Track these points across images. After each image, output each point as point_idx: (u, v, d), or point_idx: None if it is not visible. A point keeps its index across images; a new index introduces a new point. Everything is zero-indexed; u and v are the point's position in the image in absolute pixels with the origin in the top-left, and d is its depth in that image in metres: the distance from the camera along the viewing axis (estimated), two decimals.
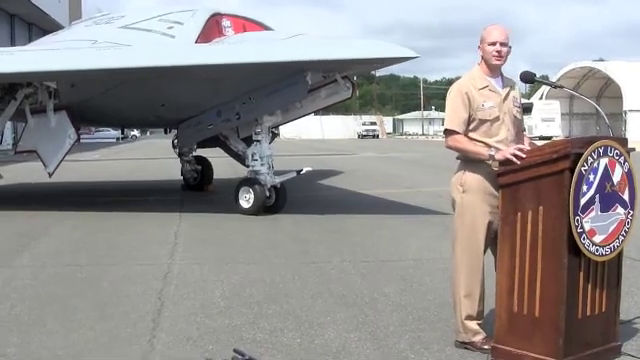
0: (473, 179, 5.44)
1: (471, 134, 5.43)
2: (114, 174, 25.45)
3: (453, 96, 5.50)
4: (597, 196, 4.91)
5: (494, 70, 5.52)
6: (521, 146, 5.26)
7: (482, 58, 5.52)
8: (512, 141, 5.44)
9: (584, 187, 4.83)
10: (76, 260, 9.26)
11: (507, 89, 5.54)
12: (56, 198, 17.03)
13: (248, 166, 14.02)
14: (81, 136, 16.64)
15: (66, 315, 6.61)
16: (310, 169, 15.11)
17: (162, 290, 7.53)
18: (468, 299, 5.45)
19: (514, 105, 5.56)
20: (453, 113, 5.46)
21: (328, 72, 13.77)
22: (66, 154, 14.79)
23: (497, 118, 5.44)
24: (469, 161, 5.47)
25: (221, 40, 14.52)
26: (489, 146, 5.34)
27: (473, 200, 5.42)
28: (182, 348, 5.66)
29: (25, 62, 14.19)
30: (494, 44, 5.43)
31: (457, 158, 5.61)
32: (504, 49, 5.44)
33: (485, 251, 5.47)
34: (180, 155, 18.41)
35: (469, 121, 5.42)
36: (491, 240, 5.44)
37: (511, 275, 5.09)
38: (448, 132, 5.49)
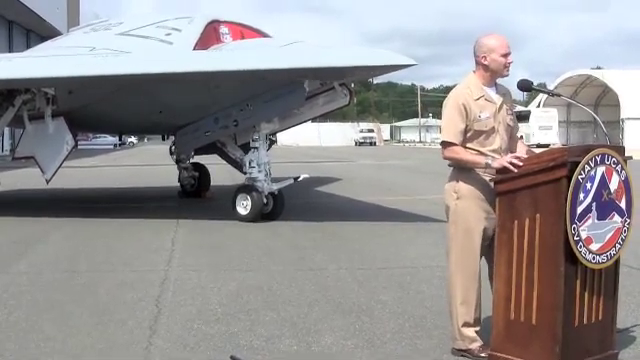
0: (467, 186, 5.44)
1: (467, 144, 5.43)
2: (112, 180, 25.41)
3: (450, 107, 5.47)
4: (594, 204, 4.92)
5: (494, 80, 5.53)
6: (518, 154, 5.27)
7: (486, 67, 5.46)
8: (505, 149, 5.46)
9: (581, 195, 4.84)
10: (74, 266, 9.26)
11: (501, 98, 5.54)
12: (53, 204, 17.02)
13: (245, 173, 14.03)
14: (79, 142, 16.62)
15: (63, 321, 6.61)
16: (307, 176, 15.12)
17: (159, 297, 7.54)
18: (464, 306, 5.45)
19: (508, 114, 5.57)
20: (450, 124, 5.45)
21: (326, 79, 13.79)
22: (64, 160, 14.79)
23: (493, 129, 5.44)
24: (462, 168, 5.48)
25: (219, 47, 14.53)
26: (485, 154, 5.35)
27: (467, 207, 5.43)
28: (179, 355, 5.66)
29: (23, 68, 14.22)
30: (506, 56, 5.43)
31: (449, 165, 5.61)
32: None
33: (480, 258, 5.47)
34: (177, 162, 18.39)
35: (465, 131, 5.42)
36: (485, 247, 5.46)
37: (508, 282, 5.10)
38: (445, 144, 5.48)
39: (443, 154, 5.51)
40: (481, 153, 5.36)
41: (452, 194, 5.52)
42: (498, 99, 5.51)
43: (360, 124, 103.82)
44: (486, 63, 5.46)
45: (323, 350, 5.76)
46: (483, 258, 5.52)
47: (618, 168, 5.04)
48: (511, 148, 5.57)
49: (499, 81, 5.62)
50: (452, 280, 5.52)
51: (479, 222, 5.40)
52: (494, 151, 5.37)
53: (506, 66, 5.44)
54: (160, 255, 10.01)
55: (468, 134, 5.42)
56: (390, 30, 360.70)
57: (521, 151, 5.60)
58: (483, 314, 5.55)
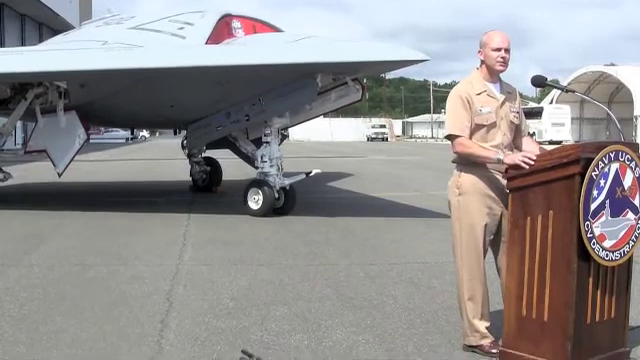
0: (469, 181, 5.44)
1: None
2: (123, 174, 25.50)
3: (453, 101, 5.49)
4: (607, 201, 4.89)
5: (494, 75, 5.52)
6: (528, 154, 5.23)
7: (483, 63, 5.52)
8: (507, 146, 5.48)
9: (594, 192, 4.82)
10: (85, 260, 9.28)
11: (505, 95, 5.54)
12: (65, 198, 17.07)
13: (257, 168, 14.04)
14: (90, 136, 16.65)
15: (75, 315, 6.62)
16: (319, 171, 15.11)
17: (170, 291, 7.55)
18: (472, 301, 5.45)
19: (511, 111, 5.56)
20: (454, 118, 5.46)
21: (338, 74, 13.77)
22: (76, 154, 14.82)
23: (494, 124, 5.44)
24: (465, 164, 5.48)
25: (231, 41, 14.53)
26: (495, 150, 5.33)
27: (470, 202, 5.43)
28: (190, 349, 5.67)
29: (36, 62, 14.23)
30: (499, 50, 5.42)
31: (453, 161, 5.61)
32: (507, 55, 5.45)
33: (485, 253, 5.46)
34: (189, 156, 18.42)
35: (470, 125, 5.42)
36: (490, 241, 5.45)
37: (520, 279, 5.08)
38: (452, 137, 5.48)
39: (454, 148, 5.49)
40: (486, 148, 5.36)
41: (454, 190, 5.53)
42: (501, 95, 5.52)
43: (372, 119, 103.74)
44: (481, 58, 5.53)
45: (334, 345, 5.76)
46: (490, 253, 5.52)
47: (632, 165, 5.01)
48: (516, 145, 5.58)
49: (509, 81, 5.62)
50: (459, 276, 5.54)
51: (481, 217, 5.41)
52: (495, 146, 5.38)
53: (497, 60, 5.43)
54: (171, 249, 10.02)
55: None
56: (401, 25, 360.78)
57: (532, 148, 5.59)
58: (493, 310, 5.55)
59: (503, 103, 5.51)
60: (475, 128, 5.43)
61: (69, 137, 14.64)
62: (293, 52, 13.07)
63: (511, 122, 5.54)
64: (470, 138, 5.41)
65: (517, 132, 5.64)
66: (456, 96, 5.49)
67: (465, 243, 5.45)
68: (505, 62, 5.45)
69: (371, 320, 6.46)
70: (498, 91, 5.53)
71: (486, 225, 5.41)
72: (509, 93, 5.60)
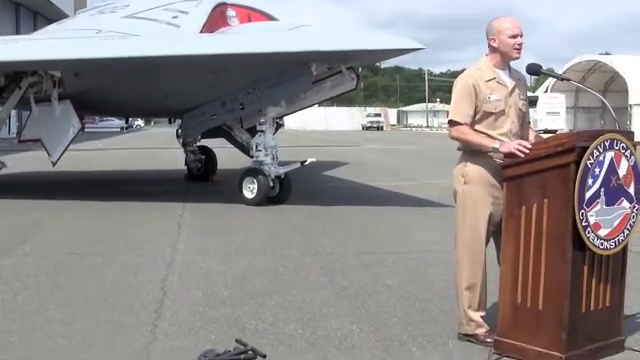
0: (475, 170, 5.41)
1: (476, 126, 5.39)
2: (118, 163, 25.46)
3: (460, 87, 5.44)
4: (602, 190, 4.87)
5: (505, 62, 5.48)
6: (524, 142, 5.20)
7: (496, 50, 5.44)
8: (515, 134, 5.42)
9: (589, 180, 4.81)
10: (79, 249, 9.25)
11: (514, 82, 5.50)
12: (59, 187, 17.02)
13: (252, 156, 14.02)
14: (85, 125, 16.61)
15: (69, 304, 6.60)
16: (314, 160, 15.10)
17: (165, 280, 7.53)
18: (470, 291, 5.43)
19: (520, 98, 5.52)
20: (459, 105, 5.42)
21: (333, 63, 13.75)
22: (70, 143, 14.79)
23: (502, 112, 5.40)
24: (471, 152, 5.44)
25: (226, 30, 14.49)
26: (493, 138, 5.31)
27: (474, 191, 5.40)
28: (184, 338, 5.65)
29: (30, 51, 14.21)
30: (515, 37, 5.38)
31: (458, 149, 5.58)
32: (522, 42, 5.42)
33: (487, 243, 5.44)
34: (184, 145, 18.40)
35: (475, 112, 5.38)
36: (493, 232, 5.43)
37: (515, 268, 5.07)
38: (452, 123, 5.45)
39: (450, 133, 5.47)
40: (489, 136, 5.33)
41: (460, 178, 5.49)
42: (510, 83, 5.47)
43: (367, 108, 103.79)
44: (495, 45, 5.43)
45: (328, 334, 5.74)
46: (491, 243, 5.50)
47: (627, 153, 4.99)
48: (522, 134, 5.53)
49: (514, 67, 5.58)
50: (458, 265, 5.51)
51: (486, 207, 5.37)
52: (503, 134, 5.33)
53: (515, 47, 5.38)
54: (166, 239, 10.00)
55: (477, 115, 5.38)
56: (396, 15, 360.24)
57: (530, 137, 5.57)
58: (491, 299, 5.54)
59: (512, 90, 5.46)
60: (483, 116, 5.39)
61: (63, 126, 14.61)
62: (288, 41, 13.05)
63: (520, 110, 5.51)
64: (478, 125, 5.37)
65: (523, 120, 5.61)
66: (463, 82, 5.44)
67: (468, 232, 5.42)
68: (520, 49, 5.42)
69: (366, 309, 6.45)
70: (508, 78, 5.50)
71: (490, 214, 5.38)
72: (519, 80, 5.56)
